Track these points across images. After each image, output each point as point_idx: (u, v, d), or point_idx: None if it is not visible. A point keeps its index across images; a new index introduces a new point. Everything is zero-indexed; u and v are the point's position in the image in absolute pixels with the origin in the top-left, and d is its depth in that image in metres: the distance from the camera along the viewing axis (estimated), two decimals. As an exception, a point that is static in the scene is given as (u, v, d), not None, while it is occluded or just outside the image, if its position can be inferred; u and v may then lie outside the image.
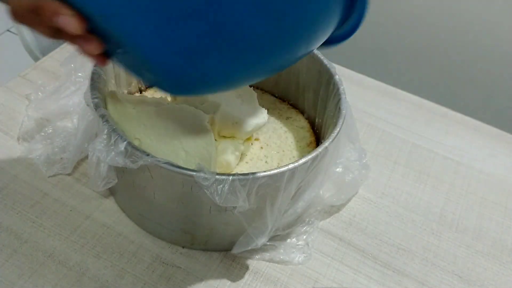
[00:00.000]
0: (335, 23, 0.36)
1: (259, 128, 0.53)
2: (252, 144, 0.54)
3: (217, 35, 0.31)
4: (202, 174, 0.39)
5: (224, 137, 0.51)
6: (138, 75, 0.39)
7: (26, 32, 0.80)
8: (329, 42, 0.39)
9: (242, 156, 0.53)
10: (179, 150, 0.46)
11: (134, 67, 0.37)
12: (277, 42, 0.33)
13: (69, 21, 0.31)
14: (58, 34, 0.33)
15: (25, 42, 0.82)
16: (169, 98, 0.56)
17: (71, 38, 0.34)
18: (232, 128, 0.50)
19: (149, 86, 0.60)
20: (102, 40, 0.34)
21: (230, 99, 0.54)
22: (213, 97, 0.53)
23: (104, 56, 0.36)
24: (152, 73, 0.35)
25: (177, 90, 0.38)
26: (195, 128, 0.48)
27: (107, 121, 0.43)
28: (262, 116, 0.53)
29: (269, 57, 0.34)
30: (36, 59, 0.82)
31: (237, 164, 0.52)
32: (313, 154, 0.43)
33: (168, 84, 0.36)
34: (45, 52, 0.78)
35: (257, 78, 0.39)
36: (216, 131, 0.50)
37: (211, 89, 0.38)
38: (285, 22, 0.32)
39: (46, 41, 0.80)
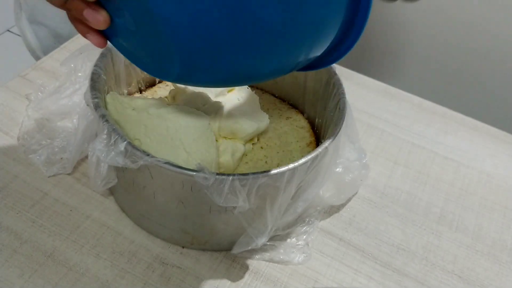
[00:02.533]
0: (335, 30, 0.36)
1: (260, 131, 0.53)
2: (253, 146, 0.54)
3: (239, 17, 0.31)
4: (202, 174, 0.39)
5: (225, 138, 0.51)
6: (136, 60, 0.38)
7: (29, 32, 0.80)
8: (324, 61, 0.40)
9: (242, 157, 0.53)
10: (180, 151, 0.46)
11: (137, 49, 0.36)
12: (287, 36, 0.33)
13: None
14: (69, 1, 0.33)
15: (27, 42, 0.82)
16: (169, 99, 0.56)
17: (80, 8, 0.33)
18: (233, 130, 0.50)
19: (149, 86, 0.60)
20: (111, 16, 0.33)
21: (232, 101, 0.54)
22: (214, 99, 0.53)
23: (104, 37, 0.36)
24: (158, 55, 0.34)
25: (179, 77, 0.36)
26: (197, 129, 0.48)
27: (107, 121, 0.43)
28: (264, 120, 0.53)
29: (274, 53, 0.34)
30: (37, 59, 0.82)
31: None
32: (313, 154, 0.43)
33: (172, 69, 0.35)
34: (46, 52, 0.78)
35: (253, 78, 0.39)
36: (217, 132, 0.50)
37: (213, 79, 0.37)
38: (300, 15, 0.32)
39: (47, 41, 0.80)
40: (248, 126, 0.51)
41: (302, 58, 0.36)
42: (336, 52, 0.39)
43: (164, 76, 0.37)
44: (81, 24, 0.36)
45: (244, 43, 0.32)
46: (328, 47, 0.38)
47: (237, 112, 0.52)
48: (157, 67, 0.37)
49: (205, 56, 0.33)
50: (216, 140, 0.50)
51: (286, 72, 0.39)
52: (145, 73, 0.59)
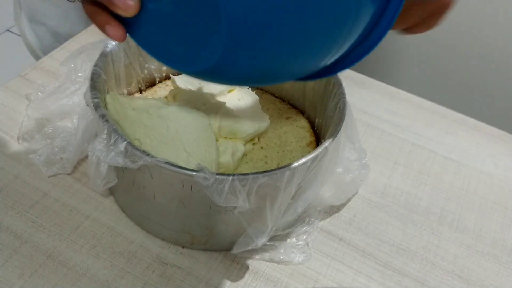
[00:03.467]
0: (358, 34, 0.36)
1: (261, 131, 0.53)
2: (253, 146, 0.54)
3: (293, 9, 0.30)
4: (202, 174, 0.39)
5: (225, 138, 0.51)
6: (162, 50, 0.35)
7: (28, 31, 0.80)
8: (336, 67, 0.39)
9: (242, 157, 0.53)
10: (180, 151, 0.46)
11: (168, 36, 0.34)
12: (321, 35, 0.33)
13: None
14: None
15: (27, 41, 0.82)
16: (169, 99, 0.56)
17: None
18: (233, 130, 0.50)
19: (149, 86, 0.60)
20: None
21: (233, 101, 0.54)
22: (215, 99, 0.53)
23: (124, 29, 0.33)
24: (198, 37, 0.32)
25: (217, 63, 0.33)
26: (197, 129, 0.48)
27: (107, 121, 0.43)
28: (264, 120, 0.53)
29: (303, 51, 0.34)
30: (37, 58, 0.82)
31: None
32: (313, 154, 0.43)
33: (212, 53, 0.32)
34: (46, 51, 0.78)
35: (274, 78, 0.38)
36: (217, 132, 0.50)
37: (248, 70, 0.35)
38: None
39: (47, 40, 0.80)
40: (249, 126, 0.51)
41: (332, 54, 0.36)
42: (354, 53, 0.39)
43: (196, 64, 0.34)
44: (100, 15, 0.32)
45: (294, 28, 0.31)
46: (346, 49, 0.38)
47: (237, 112, 0.52)
48: (190, 54, 0.34)
49: (252, 38, 0.31)
50: (216, 140, 0.50)
51: (309, 72, 0.38)
52: (145, 73, 0.59)
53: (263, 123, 0.53)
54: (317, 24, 0.33)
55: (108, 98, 0.49)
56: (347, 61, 0.40)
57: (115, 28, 0.32)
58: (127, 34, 0.34)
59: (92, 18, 0.32)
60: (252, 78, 0.37)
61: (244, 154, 0.53)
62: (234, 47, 0.31)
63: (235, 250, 0.46)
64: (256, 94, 0.56)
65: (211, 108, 0.52)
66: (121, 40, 0.33)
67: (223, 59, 0.32)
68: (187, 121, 0.48)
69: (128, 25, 0.34)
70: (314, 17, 0.32)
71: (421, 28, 0.54)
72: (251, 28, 0.31)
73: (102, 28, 0.32)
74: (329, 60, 0.37)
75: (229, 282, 0.47)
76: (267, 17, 0.30)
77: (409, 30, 0.55)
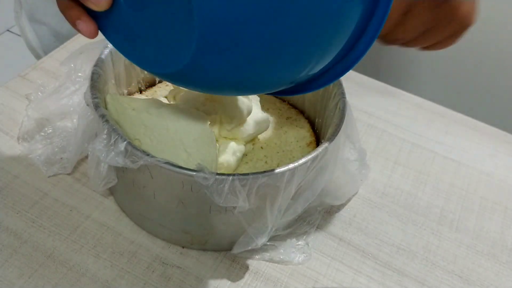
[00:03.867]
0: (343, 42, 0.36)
1: (261, 131, 0.53)
2: (253, 146, 0.54)
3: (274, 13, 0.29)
4: (202, 174, 0.39)
5: (226, 138, 0.51)
6: (133, 51, 0.34)
7: (29, 30, 0.80)
8: (322, 80, 0.39)
9: (242, 157, 0.53)
10: (180, 151, 0.46)
11: (139, 35, 0.33)
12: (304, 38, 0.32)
13: None
14: None
15: (27, 40, 0.82)
16: (169, 99, 0.56)
17: None
18: (234, 130, 0.50)
19: (149, 86, 0.60)
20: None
21: (234, 102, 0.53)
22: (215, 99, 0.53)
23: (96, 25, 0.32)
24: (169, 37, 0.31)
25: (186, 67, 0.32)
26: (197, 129, 0.48)
27: (107, 121, 0.43)
28: (265, 120, 0.53)
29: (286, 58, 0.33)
30: (38, 57, 0.82)
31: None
32: (313, 154, 0.43)
33: (183, 55, 0.31)
34: (46, 50, 0.78)
35: (257, 88, 0.37)
36: (217, 132, 0.50)
37: (220, 76, 0.34)
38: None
39: (48, 39, 0.80)
40: (250, 126, 0.51)
41: (311, 66, 0.35)
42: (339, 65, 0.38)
43: (166, 66, 0.33)
44: (72, 10, 0.32)
45: (269, 33, 0.30)
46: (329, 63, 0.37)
47: (238, 113, 0.52)
48: (160, 54, 0.33)
49: (225, 40, 0.30)
50: (217, 140, 0.50)
51: (287, 83, 0.37)
52: (145, 73, 0.59)
53: (264, 123, 0.53)
54: (293, 34, 0.31)
55: (108, 98, 0.49)
56: (325, 78, 0.39)
57: (86, 24, 0.32)
58: (100, 30, 0.34)
59: (64, 13, 0.32)
60: (225, 85, 0.36)
61: (244, 154, 0.53)
62: (206, 49, 0.31)
63: (235, 250, 0.46)
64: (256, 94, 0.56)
65: (211, 108, 0.52)
66: (91, 36, 0.33)
67: (193, 62, 0.31)
68: (187, 121, 0.48)
69: (101, 21, 0.33)
70: (290, 27, 0.31)
71: (439, 47, 0.55)
72: (224, 30, 0.30)
73: (73, 23, 0.32)
74: (309, 73, 0.36)
75: (229, 282, 0.47)
76: (242, 20, 0.29)
77: (427, 48, 0.55)
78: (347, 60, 0.37)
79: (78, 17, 0.32)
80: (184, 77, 0.35)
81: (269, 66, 0.33)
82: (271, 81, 0.36)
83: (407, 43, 0.55)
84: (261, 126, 0.53)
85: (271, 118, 0.57)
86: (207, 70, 0.33)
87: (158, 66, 0.34)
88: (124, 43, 0.35)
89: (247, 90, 0.39)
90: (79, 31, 0.33)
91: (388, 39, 0.54)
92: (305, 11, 0.30)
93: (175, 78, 0.35)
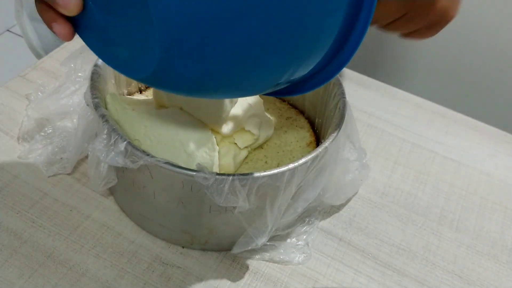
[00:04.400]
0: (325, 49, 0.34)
1: (265, 140, 0.53)
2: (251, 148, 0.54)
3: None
4: (202, 174, 0.39)
5: (229, 142, 0.50)
6: (107, 54, 0.34)
7: (29, 29, 0.80)
8: (307, 85, 0.38)
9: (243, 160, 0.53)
10: (180, 152, 0.46)
11: (108, 38, 0.32)
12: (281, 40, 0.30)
13: None
14: None
15: (28, 39, 0.82)
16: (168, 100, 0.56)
17: None
18: (235, 136, 0.50)
19: (148, 86, 0.60)
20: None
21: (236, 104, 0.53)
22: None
23: (71, 27, 0.32)
24: (135, 41, 0.30)
25: (154, 72, 0.31)
26: (197, 131, 0.47)
27: (107, 121, 0.43)
28: (270, 128, 0.53)
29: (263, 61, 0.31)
30: (39, 56, 0.82)
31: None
32: (313, 154, 0.43)
33: (149, 60, 0.30)
34: (47, 49, 0.78)
35: (233, 88, 0.35)
36: (219, 136, 0.49)
37: (190, 79, 0.32)
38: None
39: (48, 38, 0.80)
40: (256, 132, 0.51)
41: (290, 72, 0.34)
42: (322, 74, 0.36)
43: (138, 71, 0.32)
44: (48, 12, 0.32)
45: (237, 35, 0.29)
46: (312, 69, 0.36)
47: (243, 117, 0.51)
48: (131, 59, 0.32)
49: (191, 41, 0.29)
50: (218, 144, 0.49)
51: (269, 87, 0.35)
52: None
53: (270, 131, 0.53)
54: (261, 38, 0.30)
55: (108, 98, 0.49)
56: (305, 86, 0.38)
57: (61, 26, 0.32)
58: (77, 33, 0.33)
59: (42, 15, 0.32)
60: (201, 89, 0.35)
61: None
62: (170, 53, 0.30)
63: (235, 250, 0.46)
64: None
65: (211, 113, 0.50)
66: (66, 39, 0.32)
67: (161, 67, 0.30)
68: (188, 123, 0.48)
69: (77, 23, 0.33)
70: (256, 31, 0.29)
71: (418, 36, 0.57)
72: (186, 34, 0.28)
73: (49, 25, 0.32)
74: (291, 77, 0.34)
75: (229, 282, 0.47)
76: (204, 22, 0.28)
77: (407, 35, 0.57)
78: (338, 59, 0.36)
79: (54, 20, 0.32)
80: (158, 81, 0.34)
81: (241, 71, 0.32)
82: (249, 85, 0.34)
83: (384, 27, 0.57)
84: (268, 134, 0.53)
85: (271, 118, 0.57)
86: (176, 74, 0.31)
87: (131, 71, 0.33)
88: (100, 46, 0.34)
89: (227, 94, 0.37)
90: (54, 33, 0.32)
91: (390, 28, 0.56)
92: (275, 12, 0.29)
93: (150, 82, 0.35)
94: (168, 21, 0.28)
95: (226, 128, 0.49)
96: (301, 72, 0.35)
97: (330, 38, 0.34)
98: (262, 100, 0.54)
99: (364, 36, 0.34)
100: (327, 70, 0.37)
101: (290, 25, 0.30)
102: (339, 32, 0.34)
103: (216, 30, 0.28)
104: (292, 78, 0.35)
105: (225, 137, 0.50)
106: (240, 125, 0.50)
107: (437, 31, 0.57)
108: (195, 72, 0.31)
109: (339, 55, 0.36)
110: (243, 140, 0.50)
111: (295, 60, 0.33)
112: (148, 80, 0.33)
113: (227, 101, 0.48)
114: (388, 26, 0.56)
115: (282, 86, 0.37)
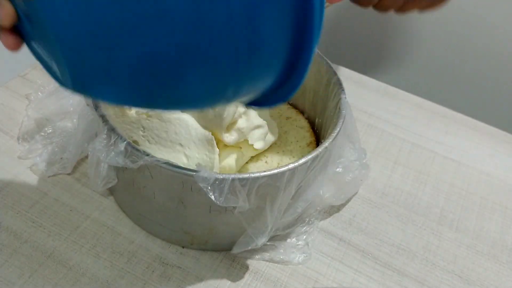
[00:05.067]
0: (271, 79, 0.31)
1: (268, 145, 0.53)
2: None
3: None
4: (202, 174, 0.39)
5: (232, 146, 0.50)
6: (43, 63, 0.33)
7: None
8: (266, 101, 0.34)
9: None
10: (180, 155, 0.46)
11: (37, 49, 0.31)
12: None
13: None
14: None
15: None
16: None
17: None
18: (240, 145, 0.50)
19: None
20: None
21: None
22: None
23: (18, 38, 0.31)
24: (50, 54, 0.29)
25: (74, 84, 0.30)
26: (197, 133, 0.47)
27: (107, 121, 0.43)
28: (274, 134, 0.53)
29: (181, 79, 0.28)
30: None
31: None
32: (313, 154, 0.43)
33: (64, 73, 0.29)
34: None
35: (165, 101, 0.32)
36: (220, 142, 0.49)
37: (113, 92, 0.30)
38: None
39: None
40: (260, 146, 0.50)
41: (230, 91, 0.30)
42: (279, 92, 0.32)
43: (66, 85, 0.31)
44: None
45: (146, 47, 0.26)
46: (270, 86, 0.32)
47: (247, 128, 0.50)
48: (58, 73, 0.31)
49: (93, 56, 0.27)
50: (220, 148, 0.48)
51: (212, 103, 0.32)
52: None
53: (273, 138, 0.53)
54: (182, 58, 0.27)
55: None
56: (269, 101, 0.33)
57: (6, 37, 0.31)
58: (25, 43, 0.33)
59: None
60: (128, 103, 0.32)
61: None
62: (79, 69, 0.28)
63: (235, 250, 0.46)
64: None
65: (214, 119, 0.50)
66: (11, 49, 0.32)
67: (77, 82, 0.29)
68: (188, 125, 0.47)
69: (23, 34, 0.32)
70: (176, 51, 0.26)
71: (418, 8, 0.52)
72: (87, 49, 0.27)
73: None
74: (235, 96, 0.31)
75: (229, 282, 0.47)
76: (100, 38, 0.26)
77: (403, 7, 0.52)
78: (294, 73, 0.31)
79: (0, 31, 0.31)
80: (87, 94, 0.32)
81: (154, 86, 0.29)
82: (180, 100, 0.31)
83: (380, 8, 0.51)
84: (271, 140, 0.53)
85: (271, 118, 0.57)
86: (95, 90, 0.30)
87: (61, 83, 0.32)
88: (39, 57, 0.33)
89: (162, 107, 0.34)
90: (3, 43, 0.32)
91: (363, 2, 0.51)
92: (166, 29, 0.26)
93: (78, 91, 0.32)
94: (66, 36, 0.27)
95: (230, 138, 0.48)
96: (248, 89, 0.31)
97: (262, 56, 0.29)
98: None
99: (311, 59, 0.29)
100: (288, 85, 0.32)
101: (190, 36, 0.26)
102: (282, 50, 0.29)
103: (113, 45, 0.26)
104: (243, 95, 0.32)
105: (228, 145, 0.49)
106: (243, 136, 0.49)
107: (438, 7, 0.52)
108: (112, 88, 0.29)
109: (294, 69, 0.31)
110: (247, 150, 0.50)
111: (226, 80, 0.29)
112: (79, 92, 0.32)
113: (228, 109, 0.47)
114: (382, 6, 0.51)
115: (242, 100, 0.33)
